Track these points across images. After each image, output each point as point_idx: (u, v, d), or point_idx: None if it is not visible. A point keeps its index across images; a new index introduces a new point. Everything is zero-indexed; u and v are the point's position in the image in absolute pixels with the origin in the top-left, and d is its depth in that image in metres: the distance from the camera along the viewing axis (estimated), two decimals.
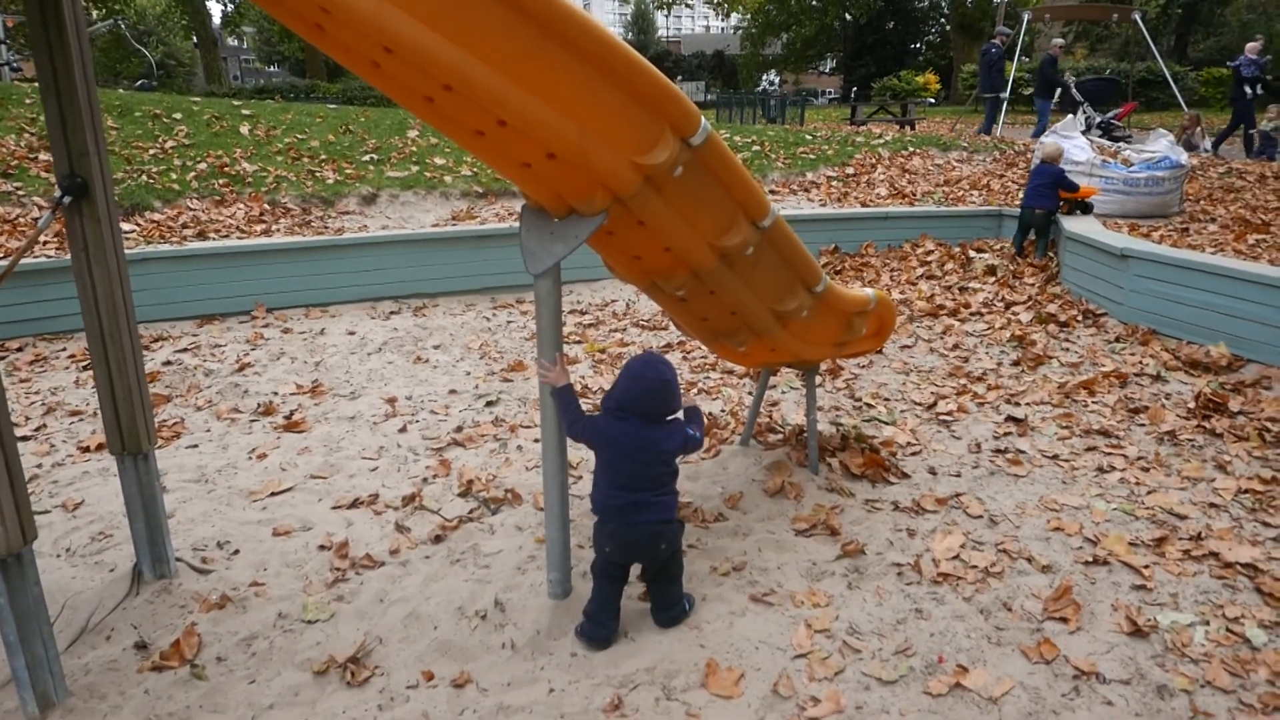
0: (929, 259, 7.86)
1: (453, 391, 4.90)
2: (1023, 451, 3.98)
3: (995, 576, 2.95)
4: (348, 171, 8.80)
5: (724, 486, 3.64)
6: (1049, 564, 3.02)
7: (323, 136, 9.67)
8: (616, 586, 2.60)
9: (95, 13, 28.80)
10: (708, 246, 2.63)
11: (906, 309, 6.57)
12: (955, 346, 5.67)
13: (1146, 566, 2.97)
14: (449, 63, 1.93)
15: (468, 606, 2.81)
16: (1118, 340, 5.64)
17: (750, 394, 4.80)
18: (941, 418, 4.42)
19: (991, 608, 2.77)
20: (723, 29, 69.54)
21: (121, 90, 12.42)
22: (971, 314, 6.39)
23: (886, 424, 4.33)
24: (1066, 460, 3.89)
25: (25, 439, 4.26)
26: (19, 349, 5.61)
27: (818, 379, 4.97)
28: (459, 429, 4.32)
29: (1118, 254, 5.92)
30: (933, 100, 27.50)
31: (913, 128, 18.27)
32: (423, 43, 1.90)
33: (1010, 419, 4.37)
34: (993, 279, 7.19)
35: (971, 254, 7.82)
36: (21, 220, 6.71)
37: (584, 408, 2.61)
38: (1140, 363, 5.14)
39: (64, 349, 5.62)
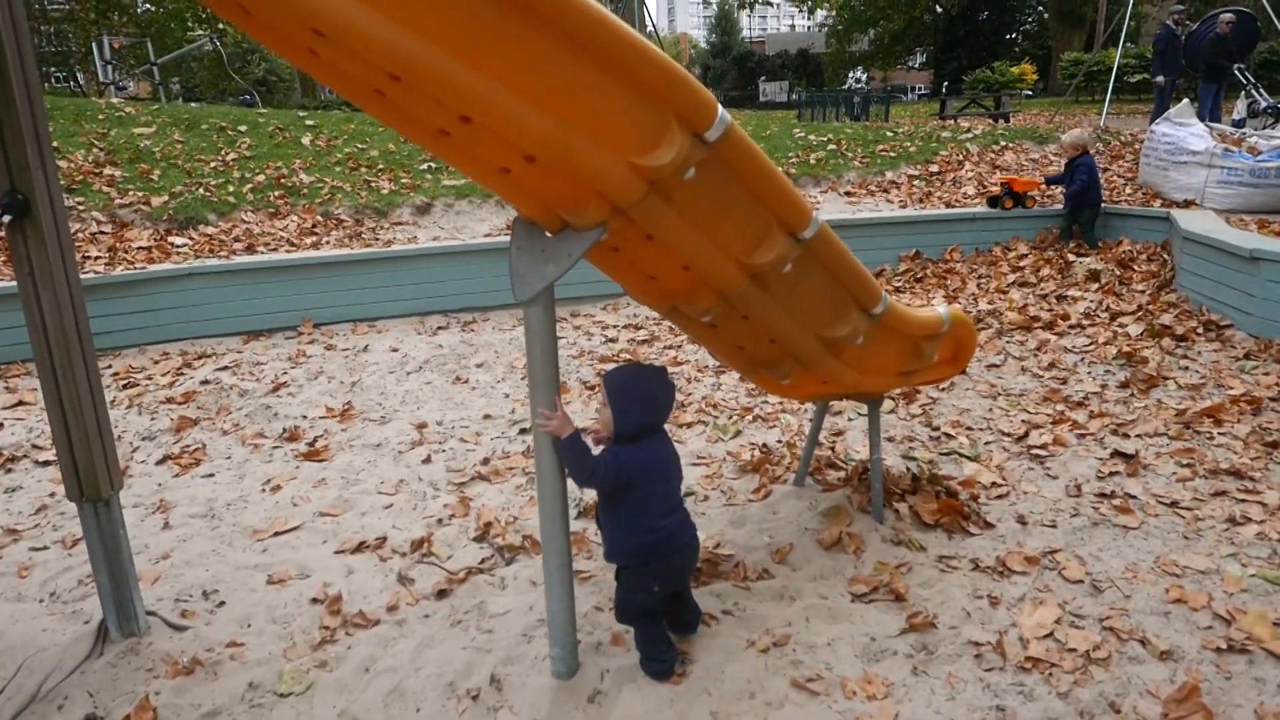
0: (1022, 264, 7.15)
1: (487, 416, 4.54)
2: (1133, 496, 3.37)
3: (1099, 664, 2.39)
4: (404, 181, 8.62)
5: (772, 536, 3.15)
6: (1169, 649, 2.43)
7: (383, 146, 9.54)
8: (661, 619, 2.46)
9: (201, 31, 30.01)
10: (735, 264, 2.17)
11: (995, 321, 5.91)
12: (1051, 365, 5.01)
13: None
14: (386, 44, 1.54)
15: (460, 682, 2.42)
16: (1247, 357, 4.88)
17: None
18: (1034, 452, 3.81)
19: (1094, 708, 2.22)
20: (808, 27, 68.17)
21: (199, 105, 12.65)
22: (1071, 326, 5.70)
23: (968, 458, 3.76)
24: (1188, 508, 3.26)
25: (47, 464, 4.11)
26: None
27: (889, 404, 4.44)
28: (486, 461, 3.95)
29: (1246, 255, 5.15)
30: (1029, 92, 26.03)
31: (1007, 120, 17.17)
32: (351, 19, 1.52)
33: (1117, 454, 3.74)
34: (1096, 286, 6.44)
35: (1071, 258, 7.07)
36: (81, 234, 6.72)
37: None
38: (1277, 384, 4.40)
39: (109, 365, 5.53)
